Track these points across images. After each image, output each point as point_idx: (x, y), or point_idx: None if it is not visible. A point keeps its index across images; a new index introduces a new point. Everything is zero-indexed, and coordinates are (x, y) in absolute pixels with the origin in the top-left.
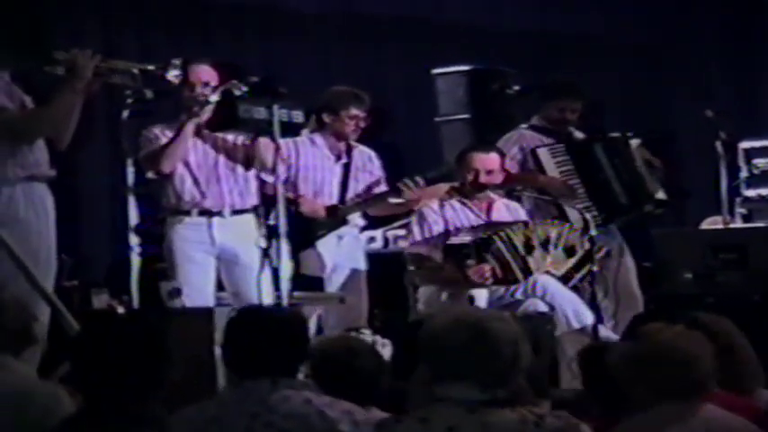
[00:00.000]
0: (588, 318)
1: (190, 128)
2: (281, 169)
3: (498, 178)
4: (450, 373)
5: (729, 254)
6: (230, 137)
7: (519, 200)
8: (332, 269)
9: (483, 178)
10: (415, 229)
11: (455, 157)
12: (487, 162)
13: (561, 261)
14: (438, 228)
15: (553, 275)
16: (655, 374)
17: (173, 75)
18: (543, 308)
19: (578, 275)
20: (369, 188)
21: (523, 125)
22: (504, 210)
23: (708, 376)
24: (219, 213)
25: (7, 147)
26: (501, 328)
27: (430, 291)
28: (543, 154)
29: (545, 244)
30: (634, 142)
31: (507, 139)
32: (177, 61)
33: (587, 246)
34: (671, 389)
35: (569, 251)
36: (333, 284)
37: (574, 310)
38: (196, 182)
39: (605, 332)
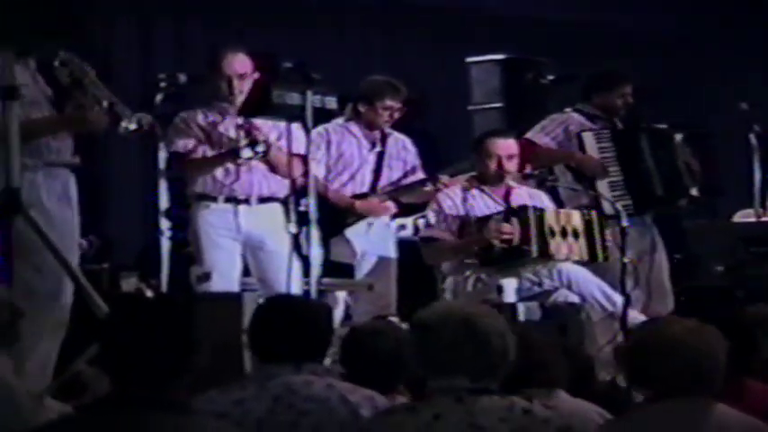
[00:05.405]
0: (618, 299)
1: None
2: (319, 155)
3: (516, 164)
4: (442, 367)
5: (761, 247)
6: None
7: (553, 190)
8: (361, 256)
9: (505, 164)
10: (430, 214)
11: (472, 145)
12: (508, 147)
13: (575, 245)
14: (453, 212)
15: (579, 263)
16: (661, 369)
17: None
18: (574, 298)
19: (598, 244)
20: (404, 176)
21: (568, 108)
22: (527, 197)
23: (718, 374)
24: (246, 201)
25: None
26: (490, 322)
27: (456, 279)
28: (588, 137)
29: (564, 231)
30: (678, 137)
31: (553, 119)
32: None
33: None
34: (677, 384)
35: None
36: (362, 271)
37: (604, 294)
38: (227, 170)
39: (634, 314)
